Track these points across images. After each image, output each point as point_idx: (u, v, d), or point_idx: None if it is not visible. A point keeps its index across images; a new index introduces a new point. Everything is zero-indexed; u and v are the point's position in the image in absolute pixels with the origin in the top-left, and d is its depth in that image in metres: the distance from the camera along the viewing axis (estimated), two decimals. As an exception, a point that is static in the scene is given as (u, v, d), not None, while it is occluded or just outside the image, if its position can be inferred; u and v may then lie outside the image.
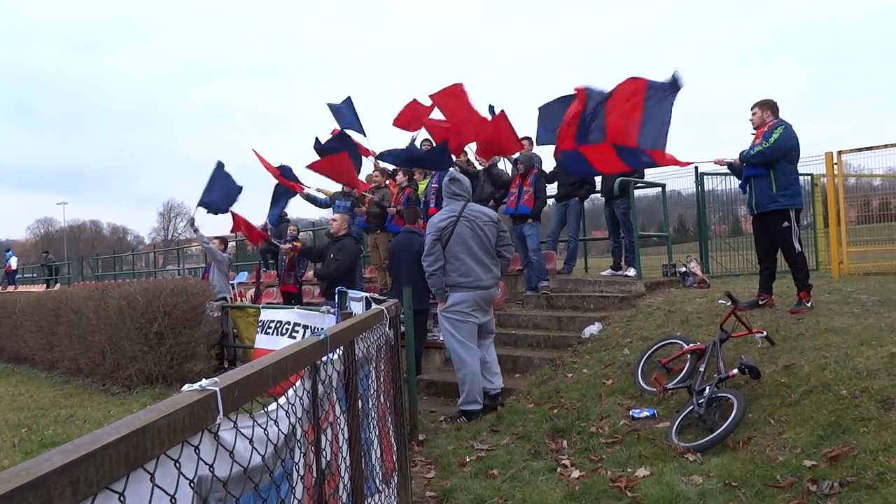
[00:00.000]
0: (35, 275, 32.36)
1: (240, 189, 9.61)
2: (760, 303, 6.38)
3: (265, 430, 1.47)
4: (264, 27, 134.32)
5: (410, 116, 10.19)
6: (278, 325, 7.81)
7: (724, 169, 6.68)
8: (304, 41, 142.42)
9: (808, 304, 6.11)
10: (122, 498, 0.93)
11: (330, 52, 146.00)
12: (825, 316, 5.88)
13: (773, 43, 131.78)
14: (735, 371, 4.83)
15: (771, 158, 5.98)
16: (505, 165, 9.71)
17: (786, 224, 6.06)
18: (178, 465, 1.09)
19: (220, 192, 9.52)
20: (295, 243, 10.33)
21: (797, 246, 6.13)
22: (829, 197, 9.42)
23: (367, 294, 5.94)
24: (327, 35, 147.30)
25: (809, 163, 10.96)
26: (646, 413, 5.16)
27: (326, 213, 11.18)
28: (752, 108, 6.31)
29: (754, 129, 6.25)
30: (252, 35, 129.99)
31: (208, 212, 9.61)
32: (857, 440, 3.85)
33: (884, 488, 3.35)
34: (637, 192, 10.44)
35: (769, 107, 6.23)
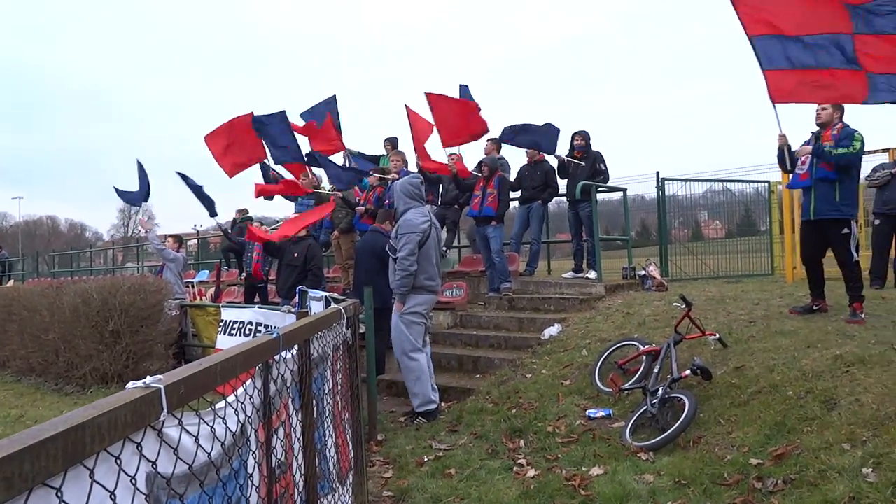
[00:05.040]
0: (-13, 271, 31.38)
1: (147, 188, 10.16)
2: (815, 308, 6.12)
3: (212, 427, 1.48)
4: (222, 18, 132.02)
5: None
6: (239, 325, 7.74)
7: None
8: (267, 34, 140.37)
9: (863, 316, 5.66)
10: (59, 493, 0.94)
11: (293, 45, 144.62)
12: (776, 319, 6.06)
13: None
14: (688, 372, 4.96)
15: (850, 164, 5.71)
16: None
17: (845, 231, 5.77)
18: (118, 461, 1.09)
19: (141, 187, 10.15)
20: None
21: (854, 254, 5.82)
22: (785, 203, 9.69)
23: (327, 293, 5.93)
24: (289, 27, 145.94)
25: (765, 170, 11.28)
26: (602, 413, 5.25)
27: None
28: (823, 105, 5.86)
29: (819, 125, 5.92)
30: (209, 27, 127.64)
31: (130, 203, 11.14)
32: (801, 439, 3.99)
33: (824, 485, 3.49)
34: (602, 196, 10.61)
35: (839, 107, 5.85)
